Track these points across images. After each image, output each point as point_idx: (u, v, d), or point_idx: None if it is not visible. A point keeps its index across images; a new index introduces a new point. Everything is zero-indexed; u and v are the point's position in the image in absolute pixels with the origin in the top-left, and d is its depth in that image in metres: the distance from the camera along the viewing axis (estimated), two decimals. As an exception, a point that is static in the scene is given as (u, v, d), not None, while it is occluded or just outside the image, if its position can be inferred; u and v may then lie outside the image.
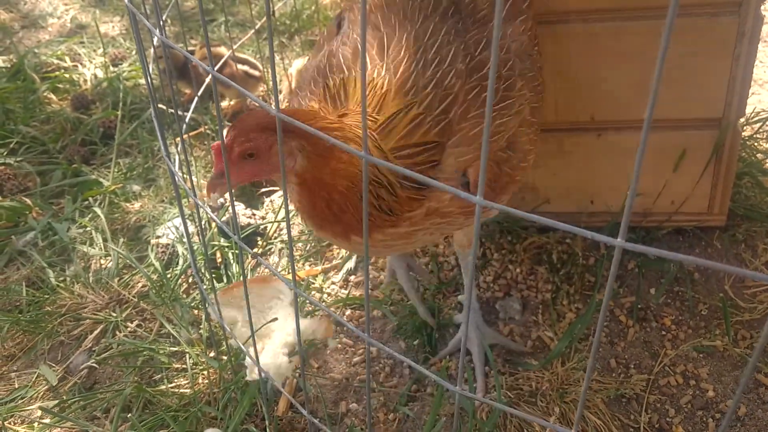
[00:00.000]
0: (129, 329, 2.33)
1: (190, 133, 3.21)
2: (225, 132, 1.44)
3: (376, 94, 1.63)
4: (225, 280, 2.45)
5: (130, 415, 2.01)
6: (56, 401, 2.10)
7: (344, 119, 1.58)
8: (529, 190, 2.51)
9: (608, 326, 2.29)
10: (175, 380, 2.14)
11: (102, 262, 2.64)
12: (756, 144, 2.85)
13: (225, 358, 2.13)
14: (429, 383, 2.14)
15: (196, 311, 2.33)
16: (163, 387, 2.11)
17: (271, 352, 1.84)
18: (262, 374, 1.67)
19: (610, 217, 2.48)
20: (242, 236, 2.61)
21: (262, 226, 2.71)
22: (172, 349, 2.21)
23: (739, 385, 2.06)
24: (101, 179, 3.03)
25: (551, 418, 1.99)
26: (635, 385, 2.11)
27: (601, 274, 2.41)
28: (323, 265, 2.56)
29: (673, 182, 2.37)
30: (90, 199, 2.93)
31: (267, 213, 2.82)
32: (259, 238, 2.67)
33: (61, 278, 2.54)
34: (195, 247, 2.53)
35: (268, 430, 1.91)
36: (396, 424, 2.04)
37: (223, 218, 2.69)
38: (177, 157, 2.48)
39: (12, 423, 2.05)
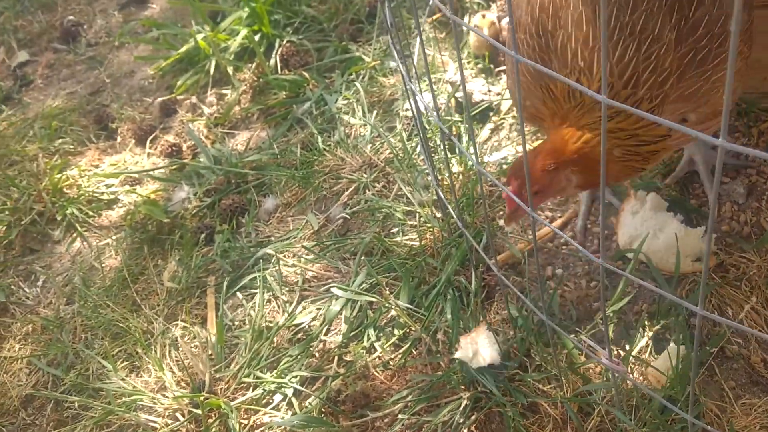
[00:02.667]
0: (376, 189, 2.75)
1: (436, 15, 3.44)
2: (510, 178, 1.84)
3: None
4: (457, 151, 2.73)
5: (365, 258, 2.46)
6: (316, 242, 2.62)
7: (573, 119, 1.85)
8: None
9: (843, 218, 2.17)
10: (408, 234, 2.53)
11: (360, 130, 3.07)
12: None
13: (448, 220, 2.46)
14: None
15: (428, 177, 2.67)
16: (398, 239, 2.51)
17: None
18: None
19: None
20: (475, 112, 2.84)
21: (495, 103, 2.91)
22: (406, 208, 2.59)
23: None
24: (364, 56, 3.42)
25: (749, 303, 2.02)
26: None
27: None
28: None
29: None
30: (354, 73, 3.35)
31: (504, 90, 3.00)
32: (491, 113, 2.88)
33: (328, 143, 3.03)
34: (431, 122, 2.84)
35: (473, 282, 2.22)
36: (596, 291, 2.22)
37: (458, 93, 2.94)
38: (419, 39, 2.74)
39: (285, 256, 2.62)
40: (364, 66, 3.35)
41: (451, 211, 2.19)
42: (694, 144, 2.35)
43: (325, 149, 2.99)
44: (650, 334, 2.02)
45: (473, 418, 1.97)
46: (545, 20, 1.89)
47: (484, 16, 3.18)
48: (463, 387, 2.02)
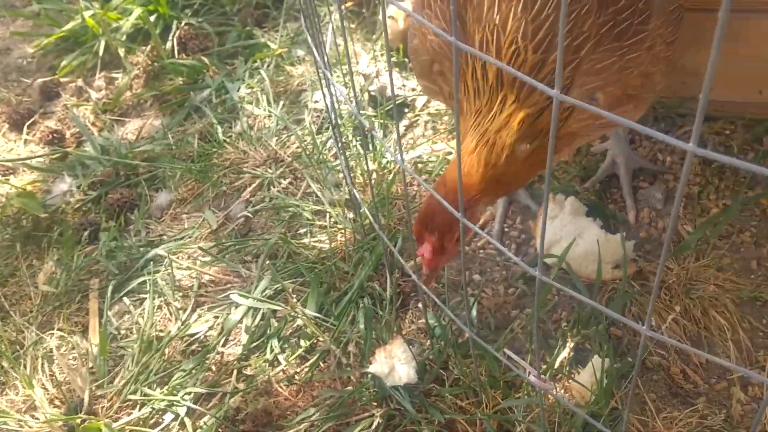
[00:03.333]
0: (282, 185, 2.54)
1: (348, 3, 3.27)
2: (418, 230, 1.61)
3: (515, 53, 1.59)
4: (371, 147, 2.57)
5: (270, 262, 2.25)
6: (214, 243, 2.39)
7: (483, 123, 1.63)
8: (692, 75, 2.32)
9: (755, 226, 2.16)
10: (317, 235, 2.34)
11: (265, 121, 2.85)
12: None
13: (359, 220, 2.29)
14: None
15: (340, 174, 2.49)
16: (305, 241, 2.32)
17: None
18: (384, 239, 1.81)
19: (780, 109, 2.27)
20: (389, 107, 2.69)
21: (410, 98, 2.77)
22: (315, 207, 2.40)
23: None
24: (270, 43, 3.20)
25: (672, 314, 1.96)
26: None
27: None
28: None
29: None
30: (259, 61, 3.13)
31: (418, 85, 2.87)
32: (406, 109, 2.74)
33: (228, 134, 2.79)
34: (343, 115, 2.66)
35: (388, 289, 2.06)
36: (515, 297, 2.12)
37: (372, 86, 2.78)
38: (332, 26, 2.56)
39: (179, 257, 2.37)
40: (269, 53, 3.13)
41: (366, 211, 2.02)
42: (617, 145, 2.28)
43: (225, 141, 2.75)
44: (571, 344, 1.93)
45: (386, 437, 1.81)
46: None
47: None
48: (375, 403, 1.85)
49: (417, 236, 1.61)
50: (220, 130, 2.79)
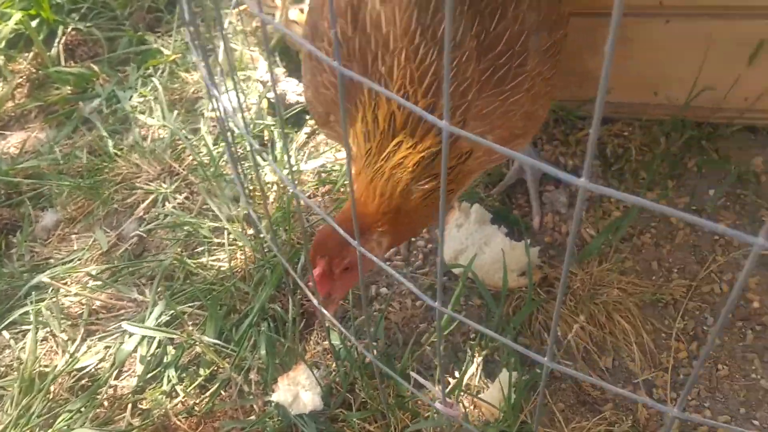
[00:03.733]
0: (177, 201, 2.41)
1: (242, 7, 3.15)
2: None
3: (404, 97, 1.56)
4: (271, 158, 2.47)
5: (166, 284, 2.12)
6: (106, 266, 2.24)
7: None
8: (589, 79, 2.34)
9: (655, 227, 2.18)
10: (215, 254, 2.23)
11: (159, 132, 2.71)
12: None
13: (261, 236, 2.19)
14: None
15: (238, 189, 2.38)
16: (203, 260, 2.21)
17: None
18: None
19: (675, 110, 2.30)
20: (289, 115, 2.59)
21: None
22: (213, 224, 2.29)
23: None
24: (163, 48, 3.04)
25: (579, 318, 1.95)
26: (675, 291, 2.03)
27: (658, 171, 2.27)
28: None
29: (747, 76, 2.14)
30: (152, 68, 2.97)
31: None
32: (308, 116, 2.65)
33: (120, 147, 2.63)
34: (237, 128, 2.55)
35: (290, 311, 1.97)
36: (423, 310, 2.07)
37: (270, 93, 2.68)
38: (221, 33, 2.44)
39: (67, 283, 2.21)
40: (163, 60, 2.98)
41: (261, 229, 1.92)
42: (524, 151, 2.27)
43: (116, 154, 2.60)
44: (479, 358, 1.89)
45: (292, 467, 1.73)
46: (344, 25, 1.67)
47: (302, 11, 2.90)
48: (280, 433, 1.77)
49: (311, 260, 1.54)
50: (110, 142, 2.63)
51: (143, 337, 2.00)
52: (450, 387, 1.82)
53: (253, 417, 1.81)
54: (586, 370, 1.90)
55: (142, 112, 2.77)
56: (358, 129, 1.61)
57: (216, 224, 2.29)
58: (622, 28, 2.18)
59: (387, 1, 1.61)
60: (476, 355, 1.90)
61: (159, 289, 2.12)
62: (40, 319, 2.10)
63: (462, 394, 1.83)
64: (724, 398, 1.84)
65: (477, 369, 1.88)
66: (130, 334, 2.01)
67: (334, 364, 1.89)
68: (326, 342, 1.94)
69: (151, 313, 2.04)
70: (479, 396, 1.78)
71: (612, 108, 2.38)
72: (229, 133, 1.98)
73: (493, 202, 2.26)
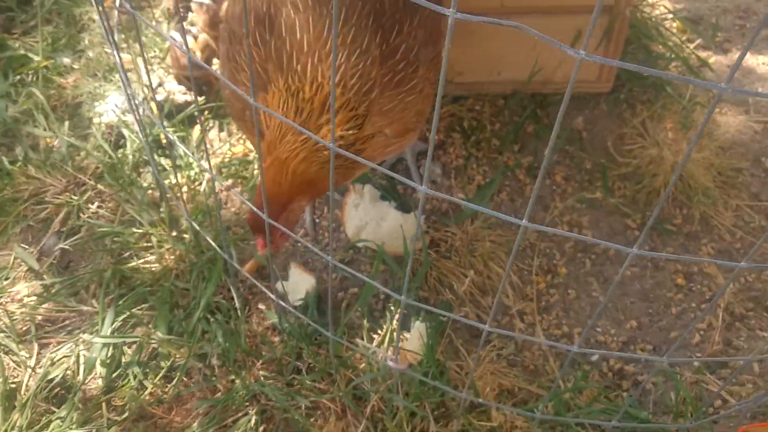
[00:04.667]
0: (91, 210, 2.59)
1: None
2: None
3: (318, 88, 1.91)
4: (173, 162, 2.69)
5: (105, 290, 2.35)
6: (39, 281, 2.41)
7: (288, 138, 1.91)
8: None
9: (509, 185, 2.72)
10: (144, 257, 2.47)
11: (49, 141, 2.80)
12: (645, 11, 3.17)
13: (186, 236, 2.46)
14: (363, 245, 2.55)
15: (150, 192, 2.60)
16: (133, 263, 2.44)
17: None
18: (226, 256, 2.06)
19: (516, 85, 2.82)
20: (181, 117, 2.80)
21: (202, 102, 2.90)
22: (138, 231, 2.51)
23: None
24: (30, 53, 3.07)
25: (470, 273, 2.45)
26: (530, 236, 2.59)
27: (506, 138, 2.79)
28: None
29: (567, 58, 2.69)
30: (23, 74, 3.00)
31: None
32: (196, 113, 2.87)
33: (16, 163, 2.71)
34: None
35: (236, 299, 2.31)
36: (339, 280, 2.47)
37: (159, 96, 2.86)
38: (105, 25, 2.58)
39: (4, 304, 2.37)
40: (34, 66, 3.02)
41: (193, 225, 2.20)
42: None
43: (13, 170, 2.68)
44: (397, 316, 2.34)
45: (263, 428, 2.11)
46: (262, 31, 1.97)
47: (201, 5, 2.99)
48: (247, 403, 2.13)
49: (253, 234, 1.95)
50: (5, 160, 2.70)
51: (103, 345, 2.23)
52: (377, 341, 2.26)
53: (219, 395, 2.16)
54: (474, 309, 2.42)
55: (25, 123, 2.84)
56: (272, 119, 1.93)
57: (140, 231, 2.51)
58: (467, 23, 2.63)
59: (300, 12, 1.93)
60: (393, 312, 2.35)
61: (106, 299, 2.34)
62: (-8, 341, 2.26)
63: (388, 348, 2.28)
64: (575, 315, 2.44)
65: (395, 324, 2.34)
66: (90, 344, 2.24)
67: (278, 339, 2.27)
68: (268, 321, 2.30)
69: (104, 321, 2.27)
70: (401, 346, 2.24)
71: (464, 87, 2.86)
72: (145, 132, 2.21)
73: (380, 181, 2.68)
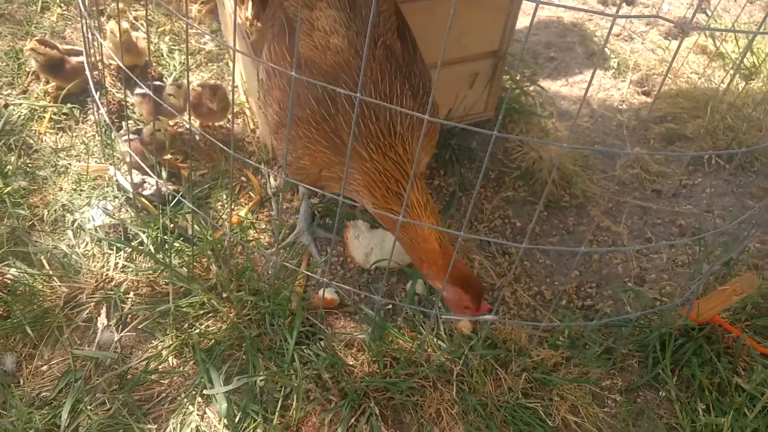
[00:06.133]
0: (132, 298, 2.79)
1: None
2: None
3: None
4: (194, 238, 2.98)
5: (180, 359, 2.60)
6: (112, 374, 2.56)
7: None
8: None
9: (448, 200, 3.47)
10: (205, 322, 2.74)
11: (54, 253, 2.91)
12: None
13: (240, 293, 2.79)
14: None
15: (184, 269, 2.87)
16: (198, 329, 2.71)
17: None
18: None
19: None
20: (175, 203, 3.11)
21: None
22: (195, 300, 2.77)
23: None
24: (-16, 182, 3.11)
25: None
26: (480, 232, 3.35)
27: (434, 167, 3.54)
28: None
29: (468, 94, 3.55)
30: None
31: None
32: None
33: (33, 275, 2.79)
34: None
35: (319, 324, 2.71)
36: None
37: (146, 191, 3.14)
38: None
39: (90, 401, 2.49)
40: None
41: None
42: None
43: (35, 287, 2.76)
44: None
45: (389, 414, 2.55)
46: (327, 107, 2.47)
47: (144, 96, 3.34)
48: (362, 400, 2.56)
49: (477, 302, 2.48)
50: (27, 276, 2.77)
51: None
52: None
53: (335, 402, 2.54)
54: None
55: (16, 243, 2.91)
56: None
57: (196, 299, 2.77)
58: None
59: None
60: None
61: (190, 362, 2.58)
62: None
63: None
64: (537, 277, 3.23)
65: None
66: (210, 398, 2.47)
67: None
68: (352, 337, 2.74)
69: (209, 377, 2.52)
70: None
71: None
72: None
73: (361, 215, 3.25)
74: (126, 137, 3.12)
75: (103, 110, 3.20)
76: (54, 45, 3.47)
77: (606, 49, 4.70)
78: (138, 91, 3.36)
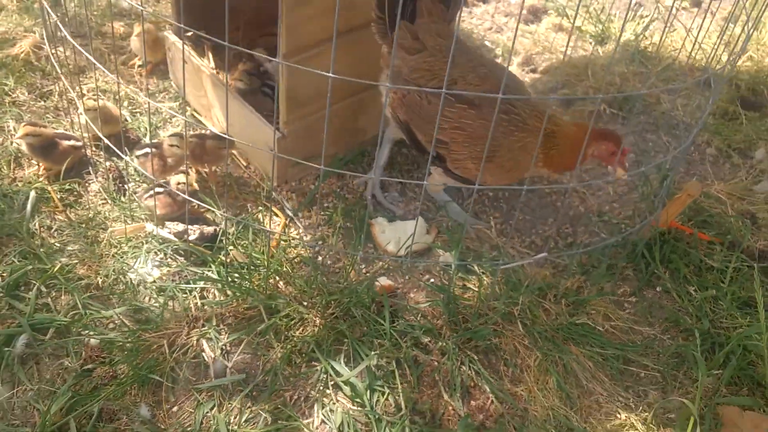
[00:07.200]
0: (227, 324, 3.04)
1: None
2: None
3: None
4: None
5: (302, 360, 2.94)
6: (245, 397, 2.83)
7: None
8: (357, 131, 3.93)
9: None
10: (294, 327, 3.06)
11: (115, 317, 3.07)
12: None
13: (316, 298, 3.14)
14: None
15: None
16: (298, 333, 3.03)
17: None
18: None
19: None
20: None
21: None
22: (289, 310, 3.08)
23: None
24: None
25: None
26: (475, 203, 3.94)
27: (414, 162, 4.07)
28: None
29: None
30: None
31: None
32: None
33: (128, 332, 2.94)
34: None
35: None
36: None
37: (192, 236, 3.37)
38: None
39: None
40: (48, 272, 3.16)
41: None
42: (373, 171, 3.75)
43: (132, 341, 2.93)
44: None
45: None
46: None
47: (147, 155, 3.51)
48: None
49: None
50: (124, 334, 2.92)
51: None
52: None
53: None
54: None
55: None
56: None
57: (286, 311, 3.08)
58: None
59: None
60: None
61: (311, 361, 2.90)
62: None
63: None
64: (520, 231, 3.86)
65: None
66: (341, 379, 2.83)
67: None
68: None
69: (346, 357, 2.87)
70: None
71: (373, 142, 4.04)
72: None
73: (380, 214, 3.70)
74: (150, 192, 3.34)
75: (109, 177, 3.41)
76: (44, 125, 3.56)
77: (486, 42, 5.47)
78: (139, 152, 3.56)
